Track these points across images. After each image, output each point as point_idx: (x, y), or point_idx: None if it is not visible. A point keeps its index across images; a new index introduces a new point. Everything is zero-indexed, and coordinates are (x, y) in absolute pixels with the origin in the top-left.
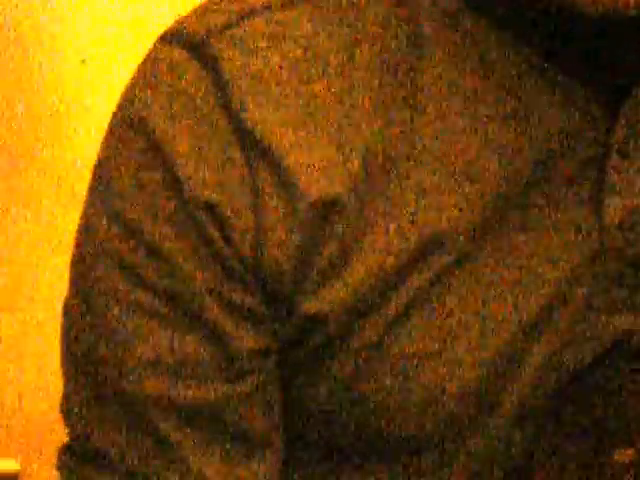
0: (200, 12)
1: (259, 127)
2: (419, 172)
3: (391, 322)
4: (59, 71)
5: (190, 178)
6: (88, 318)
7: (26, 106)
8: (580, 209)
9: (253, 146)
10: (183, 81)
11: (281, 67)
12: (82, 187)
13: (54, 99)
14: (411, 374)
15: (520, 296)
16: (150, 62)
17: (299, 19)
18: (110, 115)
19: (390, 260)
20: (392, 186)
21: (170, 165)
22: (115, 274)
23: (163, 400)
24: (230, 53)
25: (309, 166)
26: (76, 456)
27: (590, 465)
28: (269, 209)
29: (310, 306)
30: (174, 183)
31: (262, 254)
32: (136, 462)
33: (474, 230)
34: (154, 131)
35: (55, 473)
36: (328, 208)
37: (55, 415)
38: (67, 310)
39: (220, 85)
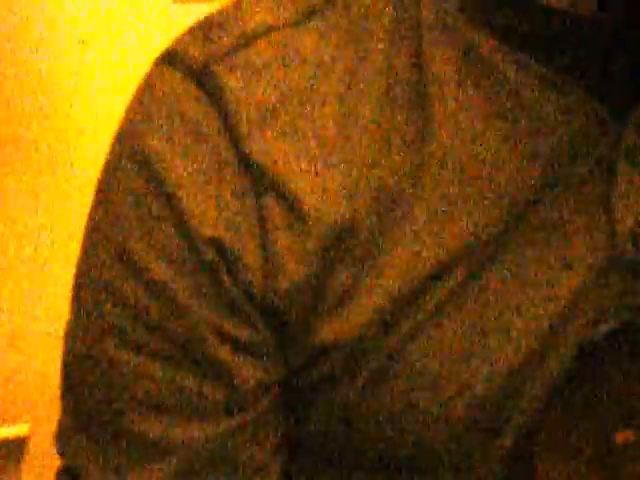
0: (201, 33)
1: (264, 157)
2: (429, 195)
3: (402, 344)
4: (58, 51)
5: (194, 213)
6: (88, 353)
7: (25, 87)
8: (590, 217)
9: (259, 177)
10: (185, 110)
11: (285, 94)
12: (81, 172)
13: (53, 80)
14: (422, 394)
15: (533, 308)
16: (150, 88)
17: (303, 40)
18: (109, 99)
19: (402, 284)
20: (402, 210)
21: (173, 199)
22: (116, 311)
23: (163, 439)
24: (233, 81)
25: (318, 193)
26: None
27: (591, 448)
28: (278, 240)
29: (321, 336)
30: (177, 218)
31: (271, 287)
32: None
33: (485, 248)
34: (155, 163)
35: None
36: (339, 234)
37: None
38: (68, 337)
39: (223, 114)
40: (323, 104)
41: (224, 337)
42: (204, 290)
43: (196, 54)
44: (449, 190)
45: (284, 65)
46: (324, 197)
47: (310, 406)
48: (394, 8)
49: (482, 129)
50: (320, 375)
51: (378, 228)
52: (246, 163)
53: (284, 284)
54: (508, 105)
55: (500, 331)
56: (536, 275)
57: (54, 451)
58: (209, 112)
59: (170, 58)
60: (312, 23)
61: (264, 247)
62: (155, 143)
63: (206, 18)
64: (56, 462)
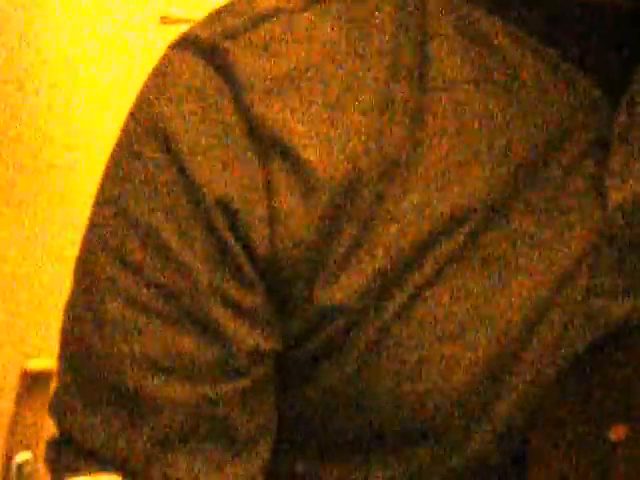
0: (213, 17)
1: (272, 124)
2: (428, 160)
3: (402, 308)
4: (41, 72)
5: (202, 176)
6: (88, 312)
7: (15, 112)
8: (583, 194)
9: (267, 142)
10: (196, 83)
11: (293, 67)
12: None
13: (36, 99)
14: (419, 360)
15: (525, 281)
16: (163, 67)
17: (310, 21)
18: (96, 118)
19: (401, 248)
20: (402, 175)
21: (182, 163)
22: (119, 269)
23: (158, 398)
24: (243, 56)
25: (323, 156)
26: (66, 451)
27: (584, 443)
28: (283, 203)
29: (321, 300)
30: (186, 181)
31: (277, 248)
32: (127, 457)
33: (481, 215)
34: (167, 130)
35: None
36: (343, 196)
37: None
38: (68, 307)
39: (233, 86)
40: (329, 77)
41: (225, 300)
42: (209, 252)
43: (207, 34)
44: (448, 156)
45: (292, 42)
46: (329, 160)
47: (307, 381)
48: None
49: (480, 102)
50: (319, 343)
51: (380, 191)
52: (254, 129)
53: (288, 246)
54: (506, 80)
55: (497, 298)
56: (531, 245)
57: None
58: (219, 84)
59: (182, 42)
60: (319, 7)
61: (270, 209)
62: (165, 111)
63: (216, 9)
64: None
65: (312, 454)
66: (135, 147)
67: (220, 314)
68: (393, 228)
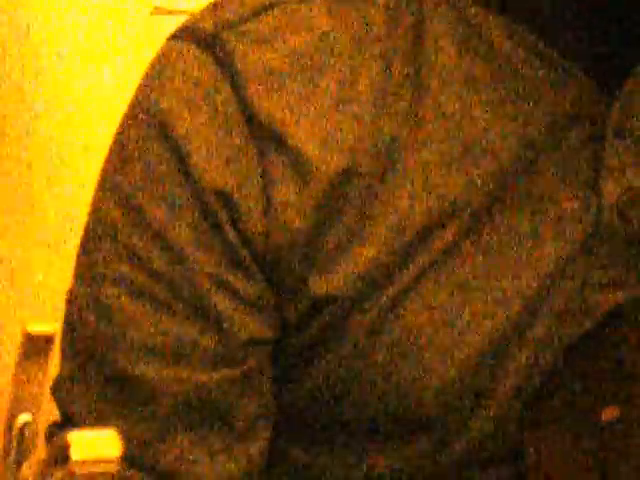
0: (212, 9)
1: (269, 114)
2: (424, 151)
3: (397, 297)
4: (34, 64)
5: (200, 164)
6: (89, 300)
7: (3, 102)
8: (578, 188)
9: (264, 133)
10: (195, 73)
11: (291, 58)
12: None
13: (32, 94)
14: (415, 348)
15: (520, 272)
16: (162, 57)
17: (308, 12)
18: (87, 111)
19: (398, 237)
20: (399, 164)
21: (181, 151)
22: (119, 257)
23: (156, 384)
24: (241, 46)
25: (319, 147)
26: (63, 430)
27: (578, 425)
28: (280, 192)
29: (320, 286)
30: (185, 170)
31: (273, 236)
32: (129, 445)
33: (477, 207)
34: (166, 120)
35: None
36: (338, 185)
37: None
38: (69, 294)
39: (232, 76)
40: (327, 68)
41: (223, 287)
42: (206, 240)
43: (206, 25)
44: (443, 149)
45: (290, 33)
46: (325, 151)
47: (304, 369)
48: None
49: (476, 96)
50: (314, 332)
51: (375, 183)
52: (252, 120)
53: (284, 236)
54: (502, 75)
55: (491, 291)
56: (526, 239)
57: None
58: (218, 74)
59: (181, 33)
60: None
61: (266, 199)
62: (164, 100)
63: (215, 0)
64: None
65: (309, 443)
66: (135, 136)
67: (218, 301)
68: (388, 220)
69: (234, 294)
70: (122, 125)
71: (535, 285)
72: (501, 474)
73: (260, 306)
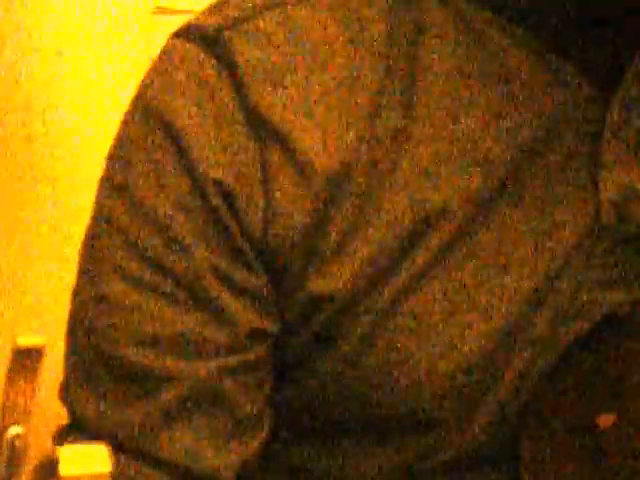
0: (215, 8)
1: (270, 111)
2: (421, 149)
3: (396, 296)
4: (35, 63)
5: (202, 158)
6: (92, 293)
7: (4, 95)
8: (576, 186)
9: (264, 129)
10: (197, 71)
11: (292, 57)
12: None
13: (30, 92)
14: (416, 347)
15: (518, 272)
16: (165, 55)
17: (308, 13)
18: (86, 110)
19: (394, 235)
20: (397, 163)
21: (182, 146)
22: (121, 250)
23: (158, 374)
24: (243, 45)
25: (318, 144)
26: (76, 435)
27: (574, 431)
28: (279, 188)
29: (317, 285)
30: (186, 164)
31: (271, 232)
32: (123, 433)
33: (474, 206)
34: (168, 116)
35: None
36: (336, 182)
37: None
38: (74, 290)
39: (234, 73)
40: (326, 68)
41: (224, 279)
42: (208, 232)
43: (208, 24)
44: (437, 147)
45: (291, 33)
46: (323, 149)
47: (303, 367)
48: None
49: (472, 95)
50: (313, 330)
51: (372, 180)
52: (253, 116)
53: (282, 233)
54: (498, 74)
55: (489, 290)
56: (524, 238)
57: None
58: (220, 72)
59: (184, 31)
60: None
61: (266, 194)
62: (167, 98)
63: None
64: None
65: (309, 442)
66: (137, 133)
67: (220, 292)
68: (385, 218)
69: (236, 286)
70: (124, 122)
71: (533, 285)
72: (498, 475)
73: (261, 298)
